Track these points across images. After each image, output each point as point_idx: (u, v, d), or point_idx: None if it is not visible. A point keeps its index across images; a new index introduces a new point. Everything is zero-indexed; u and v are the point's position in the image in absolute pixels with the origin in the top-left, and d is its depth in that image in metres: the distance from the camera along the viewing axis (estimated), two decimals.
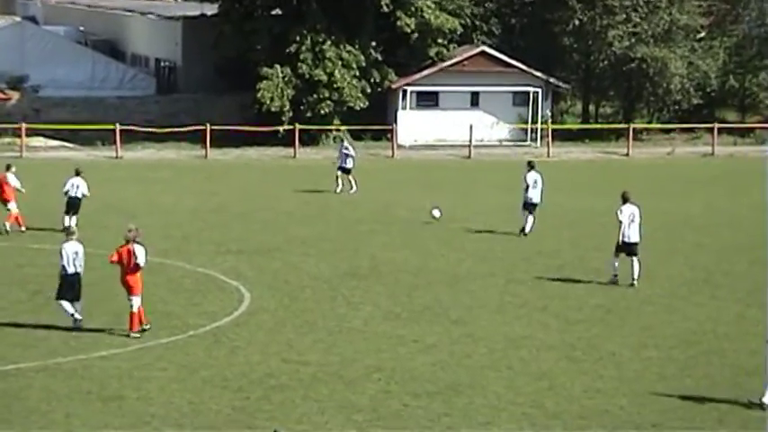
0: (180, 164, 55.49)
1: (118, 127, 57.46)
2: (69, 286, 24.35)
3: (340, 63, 61.23)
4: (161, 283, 27.47)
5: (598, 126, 68.39)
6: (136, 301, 24.27)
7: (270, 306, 27.24)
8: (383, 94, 63.88)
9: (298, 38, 60.96)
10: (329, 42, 61.22)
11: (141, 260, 24.22)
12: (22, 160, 52.75)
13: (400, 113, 64.10)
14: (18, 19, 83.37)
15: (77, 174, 36.46)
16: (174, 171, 52.66)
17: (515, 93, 65.40)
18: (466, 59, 64.70)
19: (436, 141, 63.89)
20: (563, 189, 46.50)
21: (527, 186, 36.63)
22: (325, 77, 60.76)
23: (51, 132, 60.02)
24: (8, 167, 37.29)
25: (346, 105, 61.69)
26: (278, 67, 60.62)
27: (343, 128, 62.54)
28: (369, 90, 62.33)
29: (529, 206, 36.75)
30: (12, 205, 36.20)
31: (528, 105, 64.84)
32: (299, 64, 60.72)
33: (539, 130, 64.35)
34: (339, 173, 45.84)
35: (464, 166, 57.40)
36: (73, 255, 24.30)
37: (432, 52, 64.50)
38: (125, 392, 20.73)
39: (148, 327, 24.51)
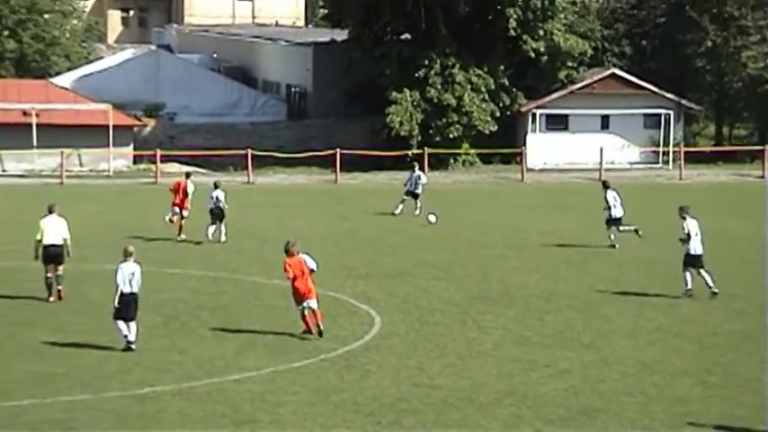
0: (311, 188, 55.96)
1: (250, 152, 58.22)
2: (125, 306, 24.76)
3: (469, 87, 61.28)
4: (293, 306, 27.64)
5: (732, 148, 67.31)
6: (314, 303, 26.13)
7: (400, 330, 27.26)
8: (512, 117, 63.74)
9: (427, 62, 61.18)
10: (458, 66, 61.32)
11: (313, 265, 26.17)
12: (157, 186, 53.79)
13: (530, 136, 63.88)
14: (153, 47, 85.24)
15: (216, 186, 38.84)
16: (304, 196, 53.13)
17: (646, 115, 64.79)
18: (596, 82, 64.29)
19: (566, 164, 63.51)
20: (696, 212, 45.71)
21: (609, 206, 38.39)
22: (454, 101, 60.86)
23: (185, 158, 61.04)
24: (188, 175, 40.16)
25: (475, 129, 61.69)
26: (407, 91, 60.89)
27: (472, 151, 62.57)
28: (498, 113, 62.25)
29: (614, 221, 38.46)
30: (184, 212, 38.86)
31: (659, 128, 64.10)
32: (428, 88, 60.92)
33: (671, 153, 63.57)
34: (406, 197, 45.76)
35: (595, 190, 56.69)
36: (129, 275, 24.88)
37: (561, 75, 64.25)
38: (258, 416, 20.89)
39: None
